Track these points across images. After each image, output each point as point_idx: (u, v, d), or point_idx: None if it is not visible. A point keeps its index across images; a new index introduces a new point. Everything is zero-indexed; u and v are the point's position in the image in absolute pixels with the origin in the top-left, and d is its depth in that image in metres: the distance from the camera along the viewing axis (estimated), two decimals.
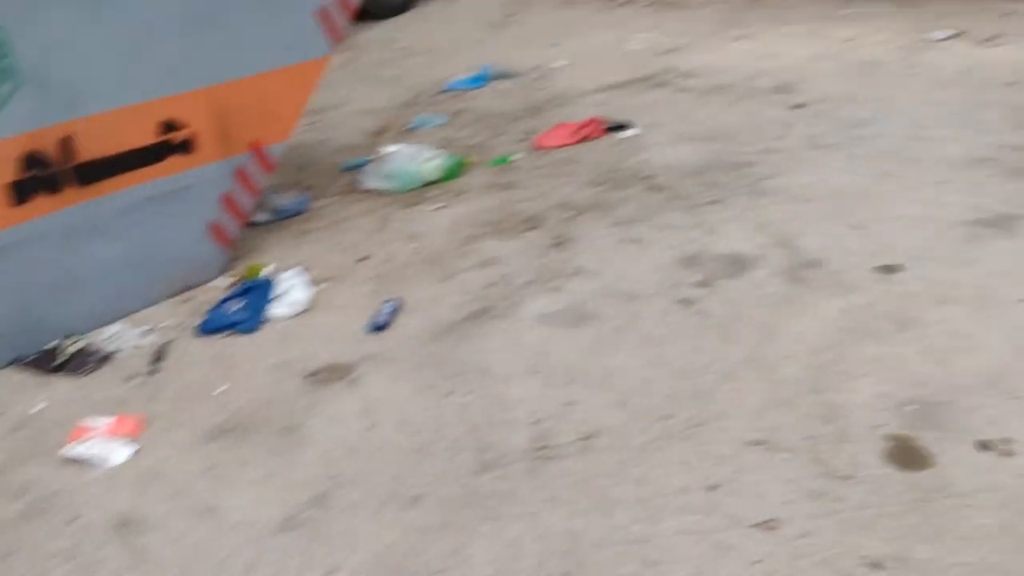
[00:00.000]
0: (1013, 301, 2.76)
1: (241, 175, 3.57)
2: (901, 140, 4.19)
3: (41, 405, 2.88)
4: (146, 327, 3.27)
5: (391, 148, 4.52)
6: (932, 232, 3.25)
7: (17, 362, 3.08)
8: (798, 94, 5.05)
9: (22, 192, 2.96)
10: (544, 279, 3.32)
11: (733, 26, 6.87)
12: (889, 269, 3.04)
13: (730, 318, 2.88)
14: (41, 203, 3.01)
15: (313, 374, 2.89)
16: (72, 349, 3.09)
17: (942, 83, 4.98)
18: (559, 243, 3.60)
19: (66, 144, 3.02)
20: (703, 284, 3.12)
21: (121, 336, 3.20)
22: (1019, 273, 2.91)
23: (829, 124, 4.51)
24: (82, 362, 3.06)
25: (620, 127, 4.78)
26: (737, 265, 3.23)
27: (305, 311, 3.29)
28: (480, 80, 6.05)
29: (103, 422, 2.68)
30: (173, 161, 3.31)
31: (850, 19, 6.69)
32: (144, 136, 3.22)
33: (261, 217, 4.02)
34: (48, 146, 2.98)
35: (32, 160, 2.96)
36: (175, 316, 3.36)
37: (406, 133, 5.19)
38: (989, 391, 2.36)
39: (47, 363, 3.06)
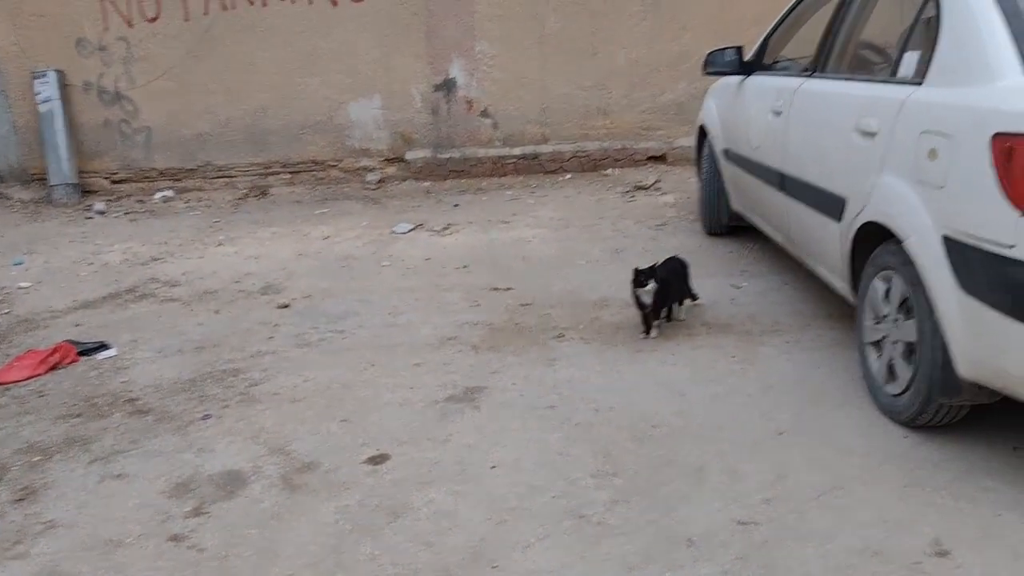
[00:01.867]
0: (485, 470, 3.03)
1: None
2: (379, 329, 4.51)
3: None
4: None
5: None
6: (412, 415, 3.48)
7: None
8: (284, 294, 5.20)
9: None
10: (5, 546, 2.80)
11: (216, 231, 6.95)
12: (378, 459, 3.15)
13: (226, 547, 2.70)
14: None
15: None
16: None
17: (410, 272, 5.54)
18: (25, 496, 3.09)
19: None
20: (196, 513, 2.90)
21: None
22: (487, 442, 3.23)
23: (314, 321, 4.68)
24: None
25: (97, 348, 4.41)
26: (232, 484, 3.07)
27: None
28: None
29: None
30: None
31: (327, 218, 7.21)
32: None
33: None
34: None
35: None
36: None
37: None
38: (474, 566, 2.50)
39: None
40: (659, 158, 8.35)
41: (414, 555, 2.58)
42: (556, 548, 2.56)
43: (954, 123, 2.74)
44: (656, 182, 7.71)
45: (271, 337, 4.49)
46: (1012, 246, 2.45)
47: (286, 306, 4.96)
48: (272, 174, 8.61)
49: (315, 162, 8.60)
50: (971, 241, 2.60)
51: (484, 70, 8.37)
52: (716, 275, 5.05)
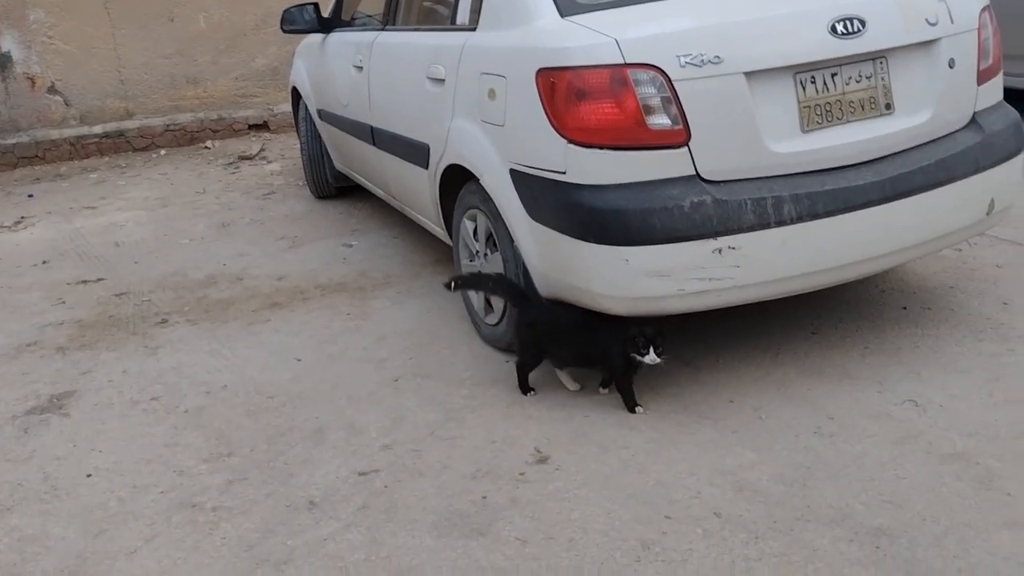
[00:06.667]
0: (80, 480, 2.70)
1: None
2: None
3: None
4: None
5: None
6: None
7: None
8: None
9: None
10: None
11: None
12: None
13: None
14: None
15: None
16: None
17: None
18: None
19: None
20: None
21: None
22: (81, 450, 2.88)
23: None
24: None
25: None
26: None
27: None
28: None
29: None
30: None
31: None
32: None
33: None
34: None
35: None
36: None
37: None
38: None
39: None
40: (261, 126, 8.06)
41: None
42: (166, 545, 2.35)
43: (505, 64, 2.92)
44: (261, 151, 7.43)
45: None
46: (563, 172, 2.68)
47: None
48: None
49: None
50: (531, 171, 2.81)
51: (44, 41, 7.39)
52: (327, 237, 5.01)
